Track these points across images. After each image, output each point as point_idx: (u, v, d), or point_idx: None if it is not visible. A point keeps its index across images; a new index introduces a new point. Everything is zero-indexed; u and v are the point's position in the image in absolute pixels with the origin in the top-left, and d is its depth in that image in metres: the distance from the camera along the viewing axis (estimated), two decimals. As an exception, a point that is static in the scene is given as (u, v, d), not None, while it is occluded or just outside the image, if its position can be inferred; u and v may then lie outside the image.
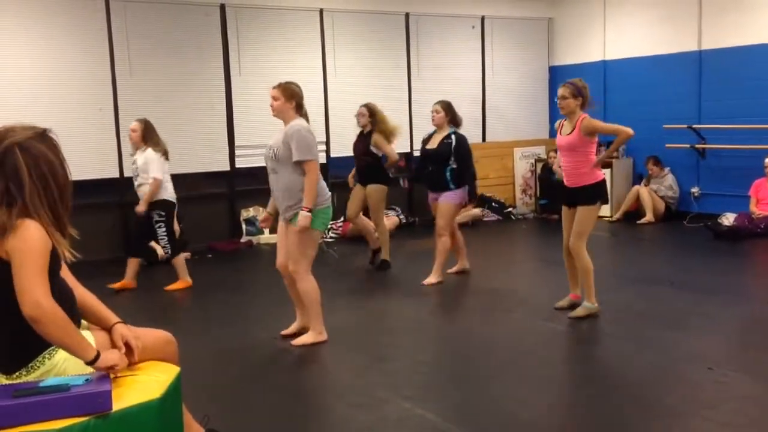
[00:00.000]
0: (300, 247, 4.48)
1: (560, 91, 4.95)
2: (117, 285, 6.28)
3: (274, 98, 4.55)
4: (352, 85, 9.28)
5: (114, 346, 2.45)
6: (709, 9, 8.96)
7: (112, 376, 2.28)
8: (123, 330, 2.49)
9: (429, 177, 6.30)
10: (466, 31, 10.26)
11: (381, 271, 6.79)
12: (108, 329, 2.50)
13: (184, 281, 6.39)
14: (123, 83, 7.86)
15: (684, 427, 3.31)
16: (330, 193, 4.73)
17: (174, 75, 8.16)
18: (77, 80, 7.62)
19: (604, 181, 5.01)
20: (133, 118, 7.77)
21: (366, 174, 6.99)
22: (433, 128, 6.47)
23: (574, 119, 4.94)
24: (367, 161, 6.96)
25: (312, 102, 8.93)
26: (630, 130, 4.97)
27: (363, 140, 7.01)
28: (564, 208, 5.09)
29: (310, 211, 4.41)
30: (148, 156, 6.29)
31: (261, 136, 8.69)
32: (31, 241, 2.20)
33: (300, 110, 4.59)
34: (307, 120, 4.66)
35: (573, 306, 5.09)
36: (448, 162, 6.16)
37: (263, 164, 9.18)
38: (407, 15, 9.71)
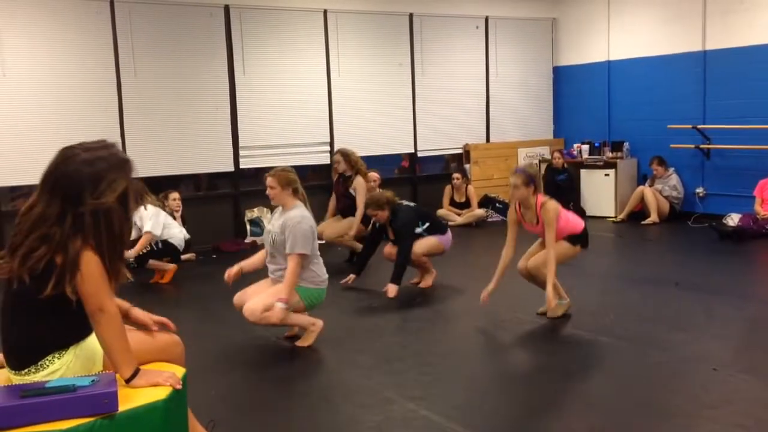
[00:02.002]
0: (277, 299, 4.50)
1: (512, 180, 4.90)
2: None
3: (271, 186, 4.55)
4: (356, 86, 9.29)
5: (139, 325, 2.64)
6: (714, 9, 8.95)
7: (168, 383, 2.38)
8: (142, 312, 2.68)
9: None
10: (469, 31, 10.26)
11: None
12: (125, 315, 2.62)
13: (171, 270, 6.69)
14: (127, 84, 7.87)
15: (690, 427, 3.30)
16: (327, 276, 4.73)
17: (178, 76, 8.17)
18: (82, 81, 7.63)
19: (585, 229, 5.02)
20: (137, 119, 7.84)
21: (345, 213, 7.29)
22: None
23: (532, 206, 4.89)
24: (347, 203, 7.24)
25: (316, 102, 9.03)
26: (553, 268, 4.81)
27: (344, 183, 7.26)
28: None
29: (286, 302, 4.37)
30: (141, 213, 6.46)
31: (265, 137, 8.73)
32: (88, 261, 2.28)
33: (297, 194, 4.60)
34: (305, 202, 4.65)
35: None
36: (414, 229, 5.96)
37: (267, 165, 9.25)
38: (411, 15, 9.71)
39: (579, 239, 5.01)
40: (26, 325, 2.33)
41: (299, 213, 4.51)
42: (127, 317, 2.63)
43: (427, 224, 6.08)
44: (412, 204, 6.42)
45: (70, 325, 2.37)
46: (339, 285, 6.11)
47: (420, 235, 6.03)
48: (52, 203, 2.29)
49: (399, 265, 5.80)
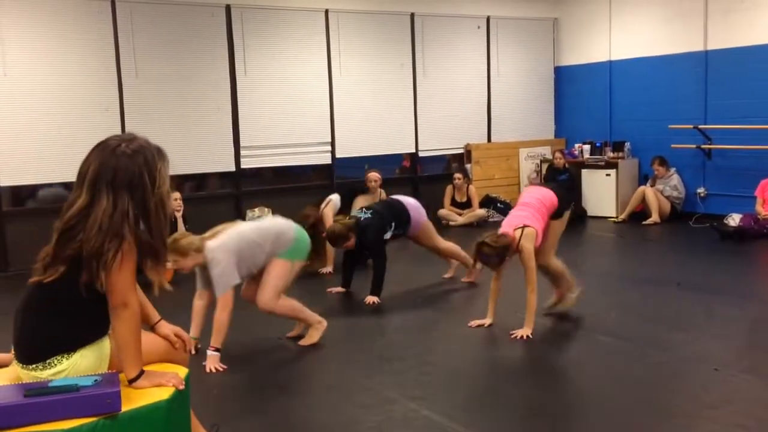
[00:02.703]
0: (277, 278, 4.45)
1: (491, 268, 4.86)
2: None
3: (175, 260, 4.33)
4: (357, 85, 9.29)
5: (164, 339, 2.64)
6: (716, 9, 8.94)
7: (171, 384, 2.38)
8: (168, 326, 2.68)
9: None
10: (471, 31, 10.26)
11: None
12: (152, 326, 2.66)
13: (170, 270, 6.62)
14: (129, 84, 7.87)
15: (691, 427, 3.31)
16: (294, 225, 4.65)
17: (180, 75, 8.17)
18: (83, 81, 7.63)
19: (560, 199, 5.01)
20: (139, 119, 7.84)
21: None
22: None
23: (513, 253, 4.80)
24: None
25: (317, 102, 9.04)
26: (533, 302, 4.75)
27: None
28: None
29: (217, 350, 4.21)
30: None
31: (266, 136, 8.74)
32: (131, 249, 2.31)
33: (200, 251, 4.31)
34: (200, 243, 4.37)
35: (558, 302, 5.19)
36: (383, 238, 5.82)
37: (269, 165, 9.25)
38: (412, 15, 9.71)
39: (560, 210, 4.97)
40: (44, 322, 2.36)
41: (210, 258, 4.29)
42: (153, 329, 2.66)
43: (394, 224, 5.91)
44: (370, 213, 5.97)
45: (85, 327, 2.39)
46: (340, 285, 6.13)
47: (394, 237, 5.95)
48: (118, 198, 2.30)
49: (376, 276, 5.72)
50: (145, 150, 2.40)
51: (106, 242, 2.26)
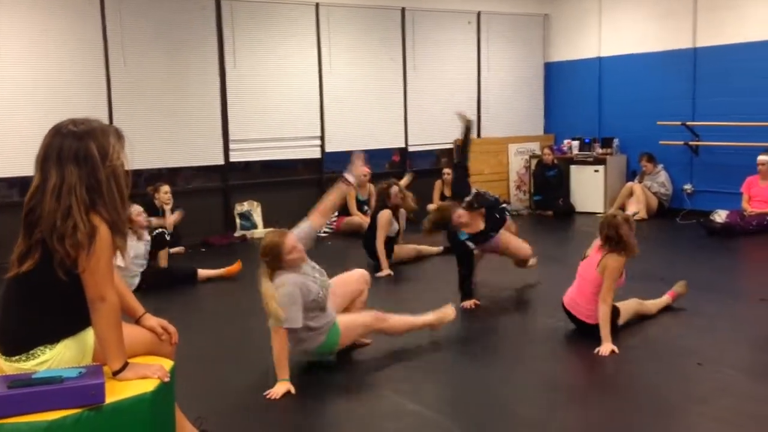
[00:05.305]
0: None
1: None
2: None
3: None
4: (347, 80, 9.27)
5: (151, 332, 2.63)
6: (705, 6, 8.98)
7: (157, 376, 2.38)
8: (153, 318, 2.67)
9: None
10: (461, 26, 10.26)
11: None
12: (137, 319, 2.65)
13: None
14: (117, 75, 7.80)
15: (677, 421, 3.33)
16: None
17: (169, 67, 8.12)
18: (71, 73, 7.57)
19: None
20: (127, 111, 7.78)
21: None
22: None
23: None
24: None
25: (307, 96, 9.01)
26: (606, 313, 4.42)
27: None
28: None
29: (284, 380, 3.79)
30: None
31: (256, 130, 8.70)
32: (105, 239, 2.30)
33: None
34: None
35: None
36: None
37: (258, 159, 9.20)
38: (403, 10, 9.69)
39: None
40: (26, 312, 2.35)
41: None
42: (138, 322, 2.64)
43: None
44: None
45: (66, 316, 2.38)
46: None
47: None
48: (66, 172, 2.30)
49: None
50: (94, 127, 2.40)
51: (59, 220, 2.25)
